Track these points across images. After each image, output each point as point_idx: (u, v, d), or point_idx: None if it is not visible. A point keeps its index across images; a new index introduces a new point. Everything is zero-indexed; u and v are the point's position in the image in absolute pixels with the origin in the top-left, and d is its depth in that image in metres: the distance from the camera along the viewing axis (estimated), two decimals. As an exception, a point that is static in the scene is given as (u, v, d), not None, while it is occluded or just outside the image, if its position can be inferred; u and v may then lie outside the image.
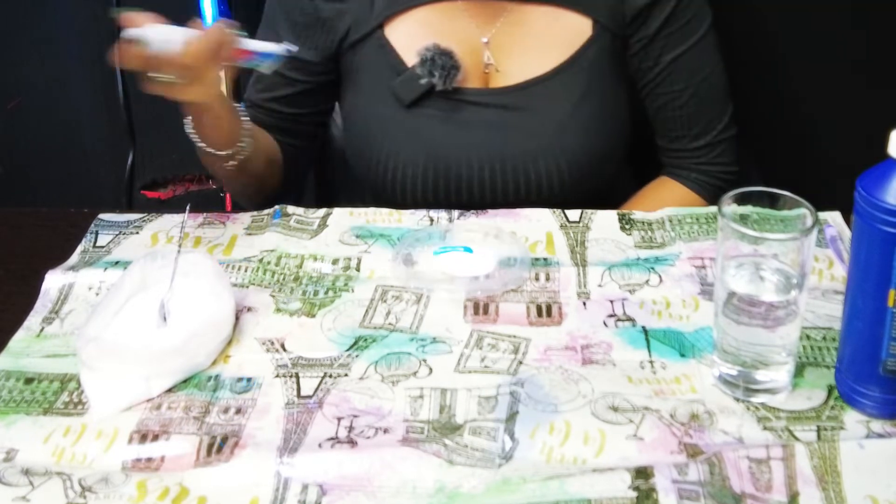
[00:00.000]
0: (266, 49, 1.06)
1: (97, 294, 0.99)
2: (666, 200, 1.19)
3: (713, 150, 1.26)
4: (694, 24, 1.21)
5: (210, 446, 0.80)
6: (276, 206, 1.12)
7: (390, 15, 1.21)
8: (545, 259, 1.03)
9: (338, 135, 1.54)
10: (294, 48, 1.09)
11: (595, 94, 1.21)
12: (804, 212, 0.80)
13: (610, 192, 1.23)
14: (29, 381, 0.87)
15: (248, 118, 1.15)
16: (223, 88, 1.10)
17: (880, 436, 0.79)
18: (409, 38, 1.20)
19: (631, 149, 1.28)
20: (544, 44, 1.21)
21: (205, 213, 1.12)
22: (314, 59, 1.24)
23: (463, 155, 1.19)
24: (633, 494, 0.74)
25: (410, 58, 1.19)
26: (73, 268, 1.02)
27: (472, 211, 1.11)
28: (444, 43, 1.18)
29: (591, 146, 1.20)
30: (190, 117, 1.11)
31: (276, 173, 1.29)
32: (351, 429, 0.81)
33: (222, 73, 1.07)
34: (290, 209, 1.11)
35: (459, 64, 1.17)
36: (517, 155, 1.19)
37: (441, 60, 1.16)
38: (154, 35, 0.96)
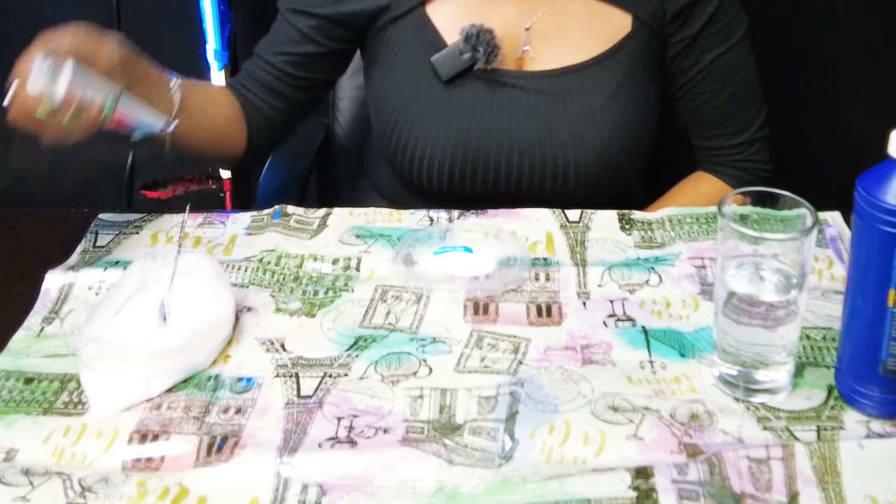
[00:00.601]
0: (146, 121, 1.00)
1: (97, 294, 0.99)
2: (706, 193, 1.18)
3: (750, 148, 1.27)
4: (734, 24, 1.22)
5: (210, 446, 0.80)
6: (276, 207, 1.12)
7: None
8: (545, 259, 1.03)
9: (340, 134, 1.54)
10: (173, 124, 1.02)
11: (629, 88, 1.21)
12: (804, 212, 0.80)
13: (627, 200, 1.23)
14: (29, 381, 0.87)
15: (178, 87, 1.10)
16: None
17: (880, 436, 0.79)
18: (451, 18, 1.20)
19: (646, 163, 1.27)
20: (583, 35, 1.21)
21: (205, 213, 1.12)
22: (363, 10, 1.22)
23: (495, 137, 1.19)
24: (633, 494, 0.74)
25: (451, 38, 1.19)
26: (73, 268, 1.02)
27: (471, 211, 1.11)
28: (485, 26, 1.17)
29: (622, 139, 1.20)
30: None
31: (234, 137, 1.25)
32: (351, 429, 0.81)
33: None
34: (290, 209, 1.11)
35: (500, 44, 1.17)
36: (548, 142, 1.19)
37: (485, 38, 1.16)
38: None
